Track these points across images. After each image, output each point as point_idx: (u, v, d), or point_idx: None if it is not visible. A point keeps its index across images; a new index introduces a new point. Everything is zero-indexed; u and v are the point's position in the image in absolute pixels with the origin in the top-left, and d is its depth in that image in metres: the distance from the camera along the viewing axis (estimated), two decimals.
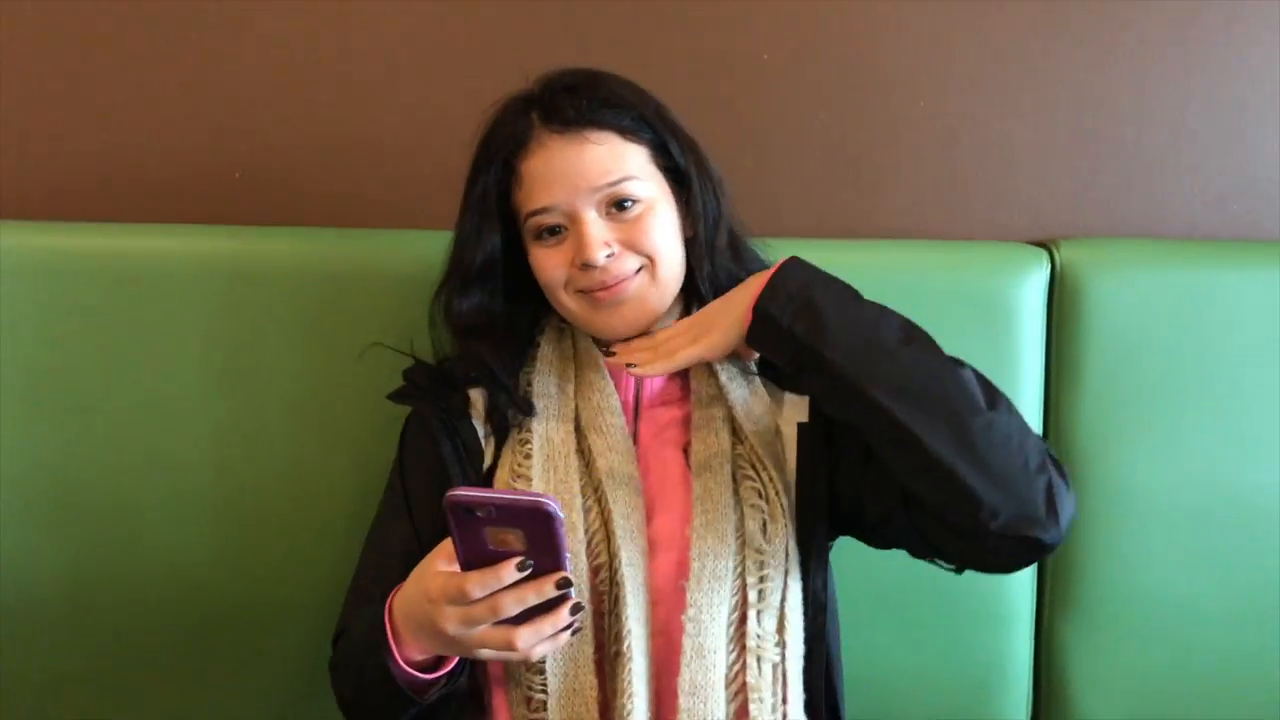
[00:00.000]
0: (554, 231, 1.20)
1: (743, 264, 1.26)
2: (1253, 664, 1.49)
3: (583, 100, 1.20)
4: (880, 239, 1.55)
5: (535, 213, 1.20)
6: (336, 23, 1.51)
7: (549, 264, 1.20)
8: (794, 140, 1.55)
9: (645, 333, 1.23)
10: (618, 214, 1.19)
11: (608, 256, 1.17)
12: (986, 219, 1.57)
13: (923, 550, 1.17)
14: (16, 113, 1.50)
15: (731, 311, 1.17)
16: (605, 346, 1.25)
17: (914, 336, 1.11)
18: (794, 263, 1.15)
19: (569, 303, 1.21)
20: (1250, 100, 1.57)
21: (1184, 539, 1.48)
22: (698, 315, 1.21)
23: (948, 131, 1.56)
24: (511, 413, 1.22)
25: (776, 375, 1.24)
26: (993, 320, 1.46)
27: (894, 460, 1.10)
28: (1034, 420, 1.48)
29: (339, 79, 1.52)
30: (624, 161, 1.19)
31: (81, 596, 1.44)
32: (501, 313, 1.25)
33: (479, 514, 0.96)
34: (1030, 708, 1.52)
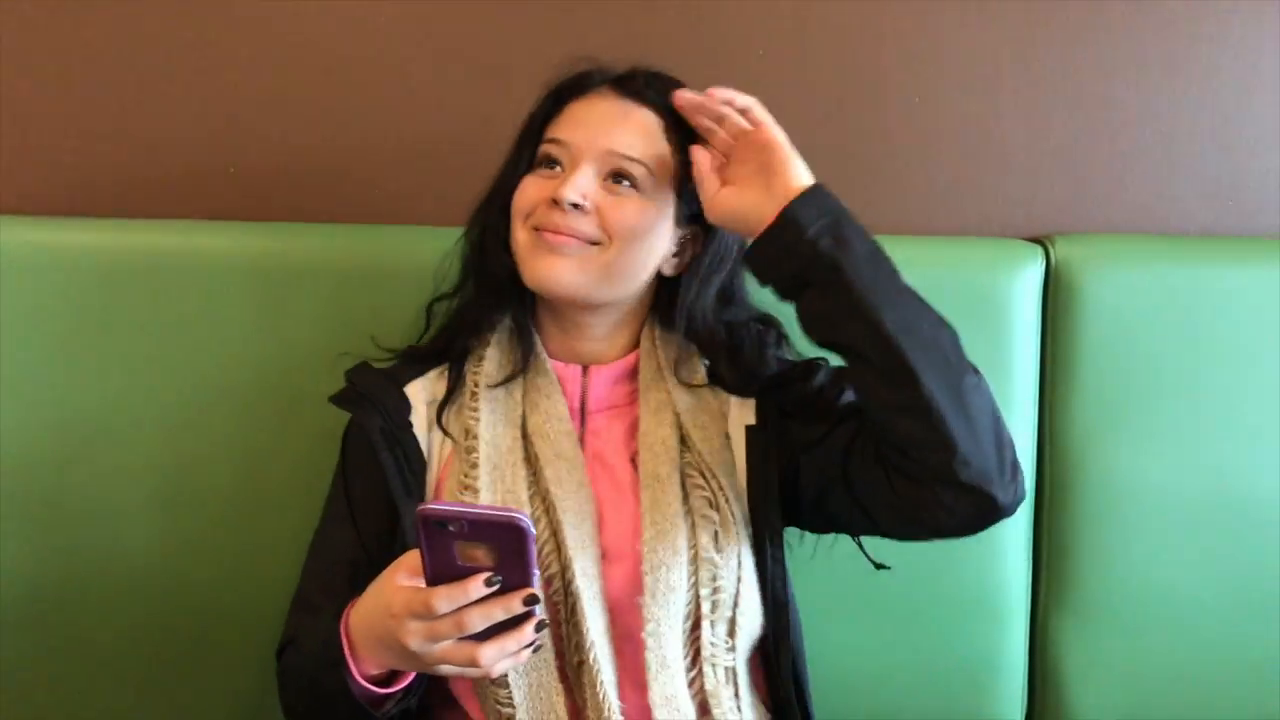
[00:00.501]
0: (552, 165, 1.20)
1: (728, 313, 1.25)
2: (1247, 659, 1.50)
3: (655, 83, 1.21)
4: (875, 235, 1.55)
5: (549, 141, 1.20)
6: (348, 17, 1.50)
7: (528, 190, 1.20)
8: (788, 136, 1.54)
9: (572, 308, 1.21)
10: (612, 185, 1.18)
11: (575, 205, 1.16)
12: (981, 215, 1.56)
13: (860, 523, 1.19)
14: (18, 107, 1.50)
15: (763, 205, 1.11)
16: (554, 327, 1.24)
17: (917, 293, 1.11)
18: (824, 187, 1.11)
19: (520, 234, 1.20)
20: (1246, 96, 1.57)
21: (1179, 534, 1.48)
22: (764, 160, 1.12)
23: (943, 127, 1.56)
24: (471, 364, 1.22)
25: (721, 380, 1.24)
26: (988, 316, 1.46)
27: (879, 395, 1.09)
28: (1028, 416, 1.49)
29: (349, 74, 1.51)
30: (650, 149, 1.19)
31: (69, 598, 1.43)
32: None
33: (451, 528, 0.95)
34: (1025, 703, 1.52)
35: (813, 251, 1.07)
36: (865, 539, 1.24)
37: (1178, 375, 1.47)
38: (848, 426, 1.17)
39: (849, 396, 1.20)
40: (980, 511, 1.10)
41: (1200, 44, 1.56)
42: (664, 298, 1.25)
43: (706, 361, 1.26)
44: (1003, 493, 1.08)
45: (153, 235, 1.45)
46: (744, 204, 1.13)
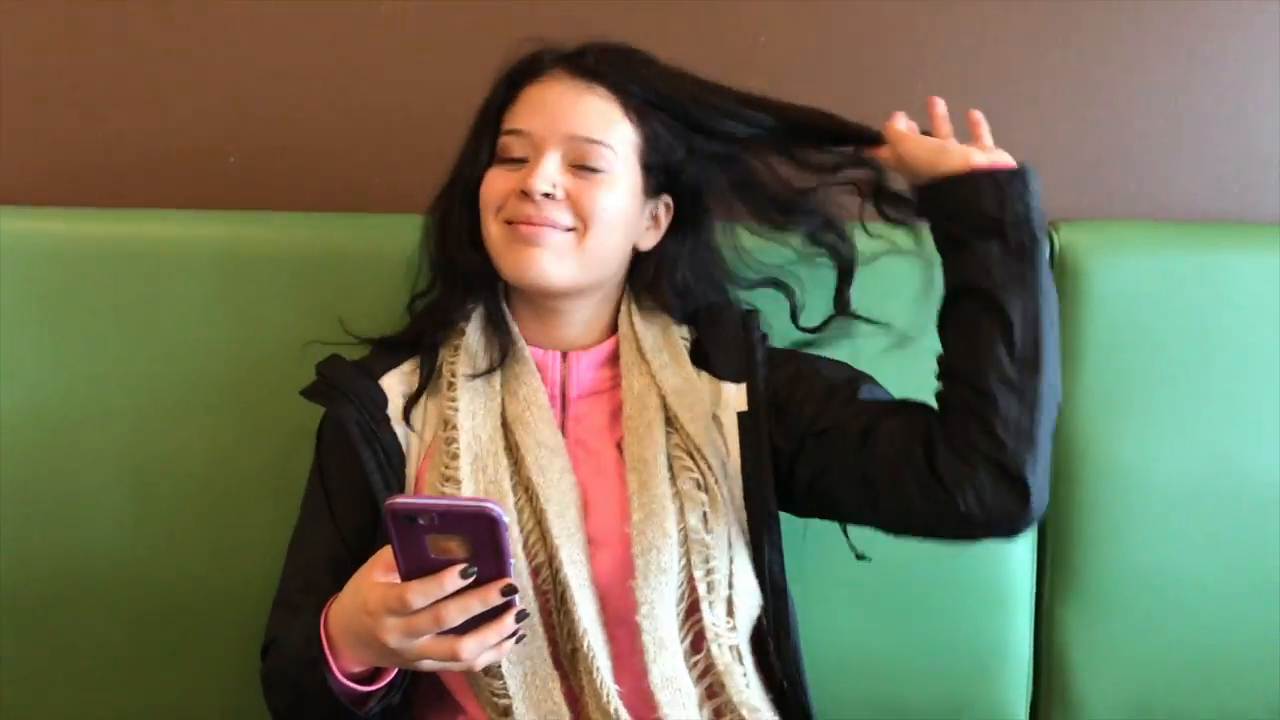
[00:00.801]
0: (516, 157, 1.19)
1: (709, 290, 1.27)
2: (1253, 645, 1.49)
3: (606, 59, 1.21)
4: (879, 224, 1.55)
5: (509, 132, 1.20)
6: (336, 5, 1.50)
7: (495, 183, 1.20)
8: None
9: (551, 298, 1.21)
10: (579, 172, 1.18)
11: (546, 195, 1.16)
12: None
13: (859, 507, 1.19)
14: (11, 97, 1.50)
15: (967, 156, 1.15)
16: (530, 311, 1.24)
17: None
18: None
19: (494, 228, 1.20)
20: (1252, 82, 1.56)
21: (1184, 521, 1.47)
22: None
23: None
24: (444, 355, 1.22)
25: (707, 362, 1.24)
26: None
27: (1001, 366, 1.10)
28: None
29: (337, 62, 1.51)
30: (611, 129, 1.19)
31: (41, 591, 1.44)
32: None
33: (420, 521, 0.94)
34: (1030, 691, 1.52)
35: (1025, 214, 1.12)
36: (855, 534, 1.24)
37: (1183, 362, 1.47)
38: (864, 419, 1.17)
39: (866, 394, 1.21)
40: (1010, 510, 1.11)
41: (1206, 29, 1.54)
42: (642, 275, 1.25)
43: (687, 339, 1.25)
44: (1037, 500, 1.11)
45: (122, 224, 1.45)
46: (944, 149, 1.16)
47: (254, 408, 1.43)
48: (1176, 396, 1.47)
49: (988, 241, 1.12)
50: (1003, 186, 1.12)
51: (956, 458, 1.11)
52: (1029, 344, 1.10)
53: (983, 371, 1.11)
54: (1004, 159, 1.15)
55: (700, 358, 1.25)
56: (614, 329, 1.26)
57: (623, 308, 1.26)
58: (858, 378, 1.23)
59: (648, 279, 1.26)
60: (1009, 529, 1.14)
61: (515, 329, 1.24)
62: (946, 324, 1.16)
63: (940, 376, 1.16)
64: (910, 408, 1.18)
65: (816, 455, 1.19)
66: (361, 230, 1.46)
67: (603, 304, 1.26)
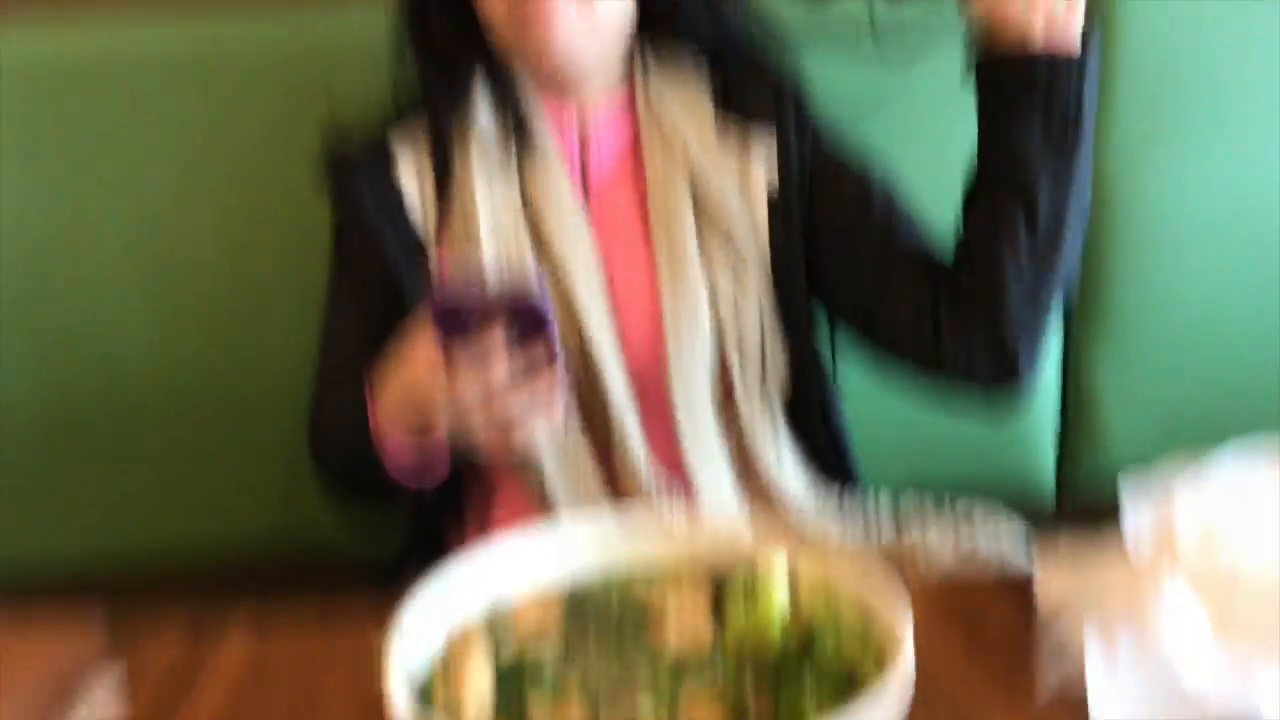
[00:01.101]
0: None
1: (719, 17, 1.19)
2: None
3: None
4: None
5: None
6: None
7: None
8: None
9: (571, 72, 1.15)
10: None
11: None
12: None
13: (856, 326, 1.19)
14: None
15: (1034, 29, 1.06)
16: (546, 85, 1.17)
17: None
18: None
19: (500, 13, 1.11)
20: None
21: (1215, 251, 1.44)
22: None
23: None
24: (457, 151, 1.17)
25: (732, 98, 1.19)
26: None
27: (1016, 241, 1.09)
28: None
29: None
30: None
31: (67, 401, 1.46)
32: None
33: (464, 315, 0.94)
34: (1058, 425, 1.53)
35: (1076, 109, 1.06)
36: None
37: (1218, 87, 1.40)
38: (884, 261, 1.16)
39: (900, 230, 1.17)
40: (999, 397, 1.14)
41: None
42: (653, 13, 1.17)
43: (709, 87, 1.19)
44: (1026, 389, 1.14)
45: (92, 38, 1.39)
46: (1004, 18, 1.06)
47: (258, 205, 1.41)
48: (1209, 124, 1.41)
49: (1028, 128, 1.07)
50: (1057, 75, 1.05)
51: (958, 345, 1.12)
52: (1049, 239, 1.08)
53: (999, 264, 1.09)
54: (1067, 40, 1.06)
55: (726, 102, 1.19)
56: (630, 78, 1.20)
57: (636, 58, 1.19)
58: (891, 198, 1.19)
59: (660, 16, 1.18)
60: (1003, 390, 1.15)
61: (527, 100, 1.18)
62: (971, 207, 1.13)
63: (956, 253, 1.14)
64: (929, 270, 1.15)
65: (829, 272, 1.18)
66: (343, 25, 1.39)
67: (616, 51, 1.18)
